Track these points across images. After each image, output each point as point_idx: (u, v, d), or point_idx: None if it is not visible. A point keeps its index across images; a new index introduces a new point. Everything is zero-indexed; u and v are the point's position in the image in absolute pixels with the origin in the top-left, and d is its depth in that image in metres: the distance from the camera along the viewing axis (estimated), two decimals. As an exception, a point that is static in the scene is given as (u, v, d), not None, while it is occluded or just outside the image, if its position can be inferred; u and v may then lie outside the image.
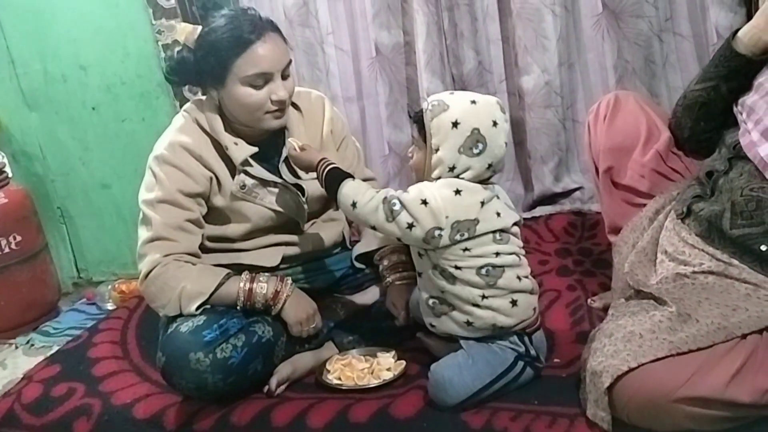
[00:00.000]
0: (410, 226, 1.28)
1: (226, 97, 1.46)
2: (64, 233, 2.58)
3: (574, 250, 2.00)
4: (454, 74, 2.28)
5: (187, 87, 2.05)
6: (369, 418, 1.34)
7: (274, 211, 1.55)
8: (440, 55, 2.23)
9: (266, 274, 1.51)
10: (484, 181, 1.33)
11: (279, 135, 1.57)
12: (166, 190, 1.47)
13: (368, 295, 1.66)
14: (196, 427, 1.41)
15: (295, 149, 1.46)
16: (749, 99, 1.33)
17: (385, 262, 1.62)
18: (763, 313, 1.17)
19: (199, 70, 1.47)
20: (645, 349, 1.14)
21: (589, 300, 1.68)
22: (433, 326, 1.40)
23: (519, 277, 1.34)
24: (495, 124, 1.31)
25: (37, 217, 2.42)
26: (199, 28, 1.47)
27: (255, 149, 1.51)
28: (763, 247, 1.22)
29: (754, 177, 1.26)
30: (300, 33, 2.30)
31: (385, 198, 1.30)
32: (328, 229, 1.67)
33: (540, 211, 2.29)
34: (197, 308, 1.43)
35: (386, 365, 1.48)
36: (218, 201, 1.53)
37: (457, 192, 1.29)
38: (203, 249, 1.53)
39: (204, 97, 1.55)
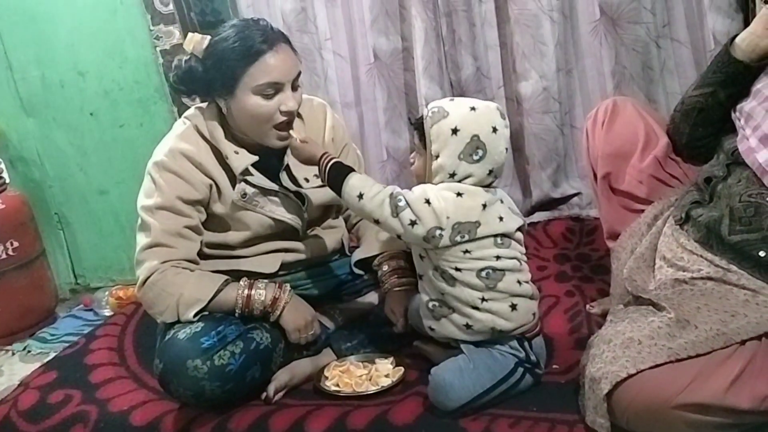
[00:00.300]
0: (413, 223, 1.29)
1: (235, 107, 1.45)
2: (61, 239, 2.58)
3: (573, 256, 2.00)
4: (452, 80, 2.29)
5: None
6: (367, 425, 1.34)
7: (274, 219, 1.55)
8: (438, 61, 2.24)
9: (264, 280, 1.51)
10: (486, 186, 1.34)
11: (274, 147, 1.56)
12: (166, 196, 1.46)
13: (367, 302, 1.66)
14: (194, 435, 1.41)
15: (297, 141, 1.46)
16: (747, 105, 1.33)
17: (385, 268, 1.62)
18: (761, 319, 1.17)
19: (209, 80, 1.46)
20: (644, 355, 1.14)
21: (587, 306, 1.68)
22: (432, 330, 1.40)
23: (519, 282, 1.35)
24: (495, 130, 1.31)
25: (34, 222, 2.41)
26: (207, 37, 1.46)
27: (255, 158, 1.51)
28: (761, 253, 1.22)
29: (752, 183, 1.26)
30: (298, 39, 2.30)
31: (392, 194, 1.31)
32: (327, 236, 1.67)
33: (538, 216, 2.29)
34: (195, 315, 1.43)
35: (384, 371, 1.48)
36: (218, 208, 1.52)
37: (459, 194, 1.30)
38: (202, 255, 1.53)
39: (205, 104, 1.54)
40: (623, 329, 1.22)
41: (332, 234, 1.69)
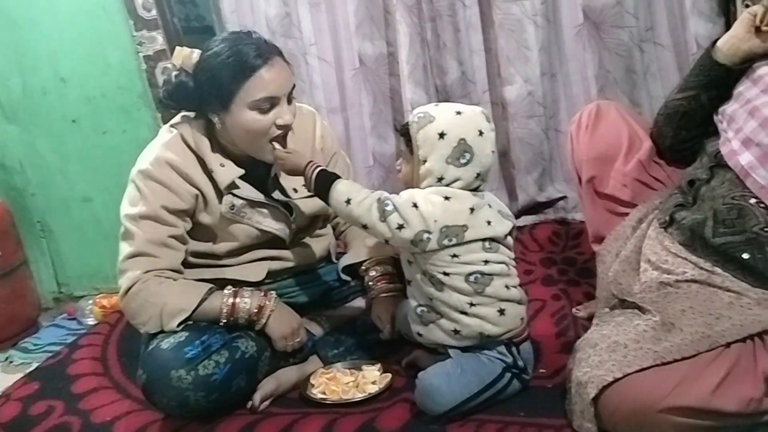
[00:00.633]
0: (400, 227, 1.29)
1: (230, 122, 1.44)
2: (44, 247, 2.54)
3: (559, 260, 2.01)
4: (437, 85, 2.29)
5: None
6: (354, 433, 1.33)
7: (262, 230, 1.54)
8: (423, 66, 2.24)
9: (250, 288, 1.49)
10: (473, 190, 1.34)
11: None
12: (151, 205, 1.44)
13: (353, 308, 1.65)
14: (179, 445, 1.39)
15: (281, 152, 1.45)
16: (729, 108, 1.34)
17: (372, 273, 1.61)
18: (746, 321, 1.17)
19: (201, 95, 1.44)
20: (630, 359, 1.14)
21: (573, 309, 1.69)
22: (420, 335, 1.40)
23: (507, 287, 1.35)
24: (481, 133, 1.32)
25: (16, 231, 2.38)
26: (197, 51, 1.44)
27: (241, 171, 1.49)
28: (745, 255, 1.23)
29: (735, 185, 1.27)
30: (283, 44, 2.28)
31: (379, 198, 1.31)
32: (314, 244, 1.66)
33: (524, 220, 2.30)
34: (179, 324, 1.41)
35: (371, 378, 1.47)
36: (204, 218, 1.50)
37: (447, 198, 1.30)
38: (186, 264, 1.51)
39: (192, 114, 1.52)
40: (609, 333, 1.22)
41: (319, 242, 1.68)
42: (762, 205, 1.22)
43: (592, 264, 1.61)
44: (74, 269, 2.56)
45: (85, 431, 1.49)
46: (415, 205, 1.29)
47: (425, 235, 1.28)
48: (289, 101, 1.46)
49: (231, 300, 1.45)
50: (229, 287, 1.48)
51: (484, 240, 1.32)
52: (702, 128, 1.43)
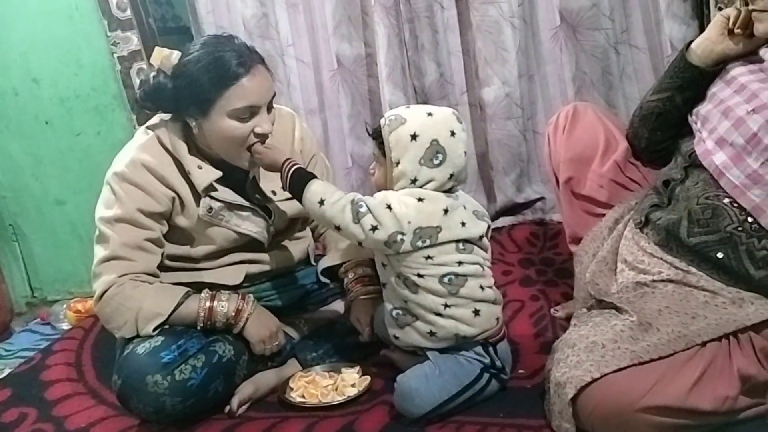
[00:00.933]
0: (374, 228, 1.28)
1: (207, 128, 1.42)
2: (16, 251, 2.50)
3: (537, 260, 2.02)
4: (416, 86, 2.29)
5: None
6: (334, 436, 1.32)
7: (240, 233, 1.52)
8: (402, 67, 2.24)
9: (227, 292, 1.48)
10: (447, 191, 1.34)
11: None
12: (126, 208, 1.42)
13: (332, 310, 1.64)
14: (155, 451, 1.38)
15: (260, 146, 1.43)
16: (703, 108, 1.36)
17: (350, 276, 1.60)
18: (721, 320, 1.19)
19: (179, 100, 1.42)
20: (607, 359, 1.15)
21: (552, 310, 1.69)
22: (397, 338, 1.39)
23: (482, 287, 1.35)
24: (453, 134, 1.32)
25: (-13, 234, 2.34)
26: (176, 53, 1.42)
27: (219, 174, 1.47)
28: (719, 255, 1.24)
29: (709, 185, 1.28)
30: (260, 45, 2.27)
31: (353, 200, 1.31)
32: (293, 247, 1.65)
33: (503, 221, 2.31)
34: (155, 329, 1.39)
35: (351, 381, 1.46)
36: (181, 221, 1.48)
37: (420, 199, 1.30)
38: (163, 267, 1.49)
39: (168, 115, 1.50)
40: (587, 333, 1.23)
41: (298, 244, 1.67)
42: (736, 205, 1.24)
43: (570, 264, 1.62)
44: (48, 273, 2.52)
45: (59, 439, 1.46)
46: (388, 207, 1.29)
47: (399, 237, 1.28)
48: (269, 110, 1.44)
49: (208, 303, 1.43)
50: (206, 291, 1.46)
51: (458, 241, 1.32)
52: (677, 129, 1.44)
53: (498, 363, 1.36)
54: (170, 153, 1.46)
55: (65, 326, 2.24)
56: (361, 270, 1.60)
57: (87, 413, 1.54)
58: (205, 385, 1.37)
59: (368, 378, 1.46)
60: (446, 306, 1.32)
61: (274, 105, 1.56)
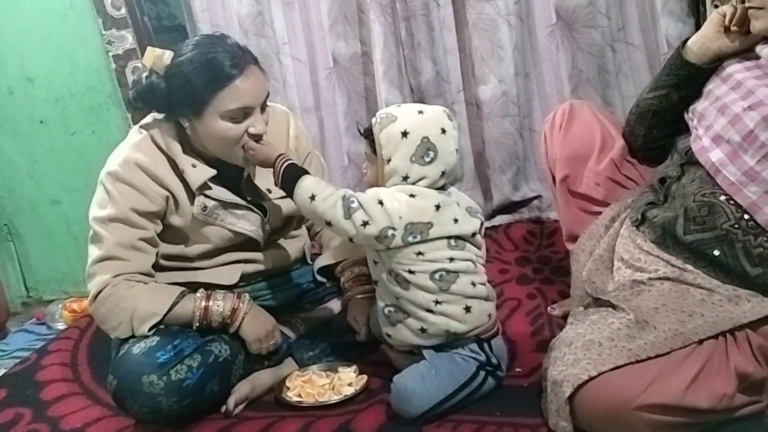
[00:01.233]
0: (365, 224, 1.29)
1: (201, 129, 1.41)
2: (11, 251, 2.49)
3: (534, 258, 2.02)
4: (412, 84, 2.28)
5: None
6: (331, 435, 1.32)
7: (235, 232, 1.51)
8: (398, 66, 2.23)
9: (223, 291, 1.47)
10: (439, 189, 1.34)
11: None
12: (120, 208, 1.41)
13: (329, 310, 1.64)
14: (151, 452, 1.37)
15: (253, 142, 1.42)
16: (699, 106, 1.36)
17: (347, 275, 1.60)
18: (717, 318, 1.19)
19: (172, 100, 1.41)
20: (604, 357, 1.15)
21: (548, 308, 1.69)
22: (389, 336, 1.40)
23: (474, 284, 1.35)
24: (444, 131, 1.32)
25: (-18, 235, 2.34)
26: (169, 53, 1.41)
27: (213, 172, 1.47)
28: (716, 252, 1.24)
29: (705, 182, 1.28)
30: (255, 43, 2.27)
31: (344, 196, 1.31)
32: (289, 246, 1.64)
33: (499, 219, 2.30)
34: (150, 329, 1.38)
35: (347, 380, 1.46)
36: (176, 221, 1.48)
37: (412, 195, 1.31)
38: (157, 267, 1.48)
39: (162, 115, 1.49)
40: (584, 331, 1.23)
41: (294, 243, 1.66)
42: (732, 202, 1.24)
43: (567, 263, 1.62)
44: (43, 273, 2.51)
45: (55, 439, 1.46)
46: (380, 202, 1.29)
47: (390, 232, 1.29)
48: (263, 110, 1.44)
49: (204, 303, 1.43)
50: (201, 290, 1.45)
51: (449, 238, 1.32)
52: (673, 127, 1.44)
53: (494, 360, 1.36)
54: (164, 152, 1.45)
55: (61, 326, 2.23)
56: (357, 269, 1.60)
57: (82, 413, 1.53)
58: (201, 385, 1.37)
59: (365, 377, 1.46)
60: (437, 302, 1.32)
61: (270, 104, 1.56)
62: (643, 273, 1.30)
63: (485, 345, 1.36)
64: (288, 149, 1.59)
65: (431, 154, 1.31)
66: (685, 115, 1.41)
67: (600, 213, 1.52)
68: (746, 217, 1.22)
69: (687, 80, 1.40)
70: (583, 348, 1.18)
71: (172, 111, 1.45)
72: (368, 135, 1.36)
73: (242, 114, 1.40)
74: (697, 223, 1.26)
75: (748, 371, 1.15)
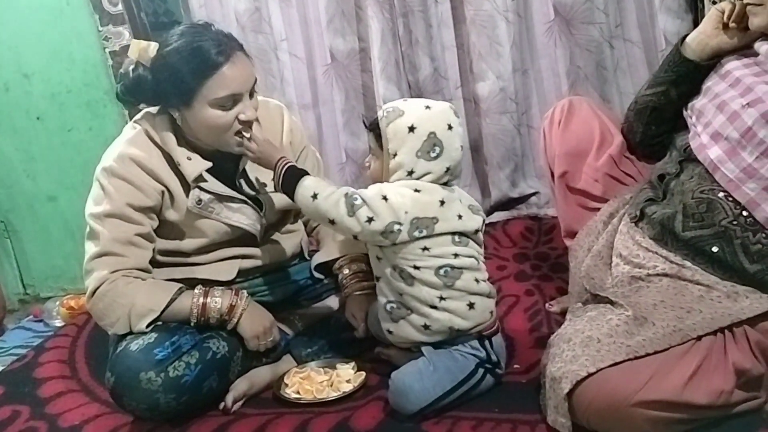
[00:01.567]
0: (370, 220, 1.28)
1: (192, 118, 1.41)
2: (8, 248, 2.48)
3: (532, 255, 2.02)
4: (410, 81, 2.28)
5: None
6: (329, 432, 1.32)
7: (231, 226, 1.51)
8: (396, 62, 2.23)
9: (220, 287, 1.47)
10: (443, 184, 1.34)
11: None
12: (115, 203, 1.41)
13: (327, 306, 1.64)
14: (149, 449, 1.37)
15: (253, 145, 1.41)
16: (698, 103, 1.36)
17: (345, 271, 1.60)
18: (716, 314, 1.19)
19: (161, 90, 1.41)
20: (603, 353, 1.15)
21: (547, 304, 1.69)
22: (390, 332, 1.39)
23: (477, 280, 1.35)
24: (450, 127, 1.32)
25: (-21, 231, 2.33)
26: (154, 44, 1.40)
27: (209, 164, 1.47)
28: (714, 249, 1.24)
29: (704, 179, 1.28)
30: (253, 39, 2.27)
31: (347, 193, 1.30)
32: (286, 241, 1.64)
33: (497, 216, 2.30)
34: (148, 325, 1.38)
35: (346, 377, 1.46)
36: (171, 215, 1.47)
37: (417, 190, 1.30)
38: (155, 263, 1.48)
39: (156, 109, 1.49)
40: (582, 328, 1.23)
41: (291, 238, 1.66)
42: (730, 199, 1.24)
43: (565, 259, 1.62)
44: (40, 270, 2.50)
45: (52, 436, 1.46)
46: (384, 198, 1.29)
47: (396, 227, 1.28)
48: (251, 95, 1.44)
49: (201, 300, 1.42)
50: (199, 287, 1.45)
51: (453, 234, 1.32)
52: (672, 123, 1.44)
53: (494, 357, 1.36)
54: (158, 146, 1.45)
55: (58, 323, 2.22)
56: (355, 266, 1.59)
57: (80, 411, 1.53)
58: (199, 381, 1.37)
59: (363, 374, 1.46)
60: (441, 298, 1.32)
61: (264, 98, 1.55)
62: (642, 269, 1.30)
63: (486, 342, 1.36)
64: (282, 143, 1.59)
65: (437, 149, 1.31)
66: (684, 113, 1.41)
67: (598, 209, 1.52)
68: (745, 213, 1.22)
69: (685, 77, 1.40)
70: (582, 344, 1.18)
71: (161, 102, 1.45)
72: (374, 128, 1.35)
73: (231, 101, 1.39)
74: (695, 219, 1.26)
75: (746, 367, 1.15)
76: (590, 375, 1.13)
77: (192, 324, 1.42)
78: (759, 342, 1.18)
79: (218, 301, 1.43)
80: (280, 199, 1.55)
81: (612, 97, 2.20)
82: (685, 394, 1.10)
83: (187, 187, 1.46)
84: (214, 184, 1.48)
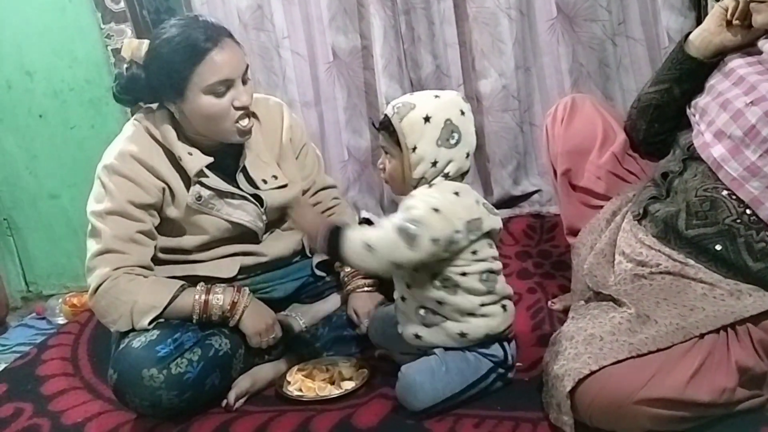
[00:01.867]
0: (434, 241, 1.21)
1: (188, 109, 1.42)
2: (11, 245, 2.49)
3: (534, 253, 2.01)
4: (412, 78, 2.28)
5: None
6: (331, 429, 1.32)
7: (232, 222, 1.51)
8: (398, 60, 2.23)
9: (222, 284, 1.47)
10: (465, 173, 1.32)
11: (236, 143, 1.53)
12: (116, 201, 1.41)
13: (329, 304, 1.63)
14: (152, 446, 1.37)
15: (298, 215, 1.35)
16: (702, 101, 1.35)
17: (347, 269, 1.60)
18: (719, 312, 1.18)
19: (155, 85, 1.42)
20: (605, 351, 1.15)
21: (549, 302, 1.69)
22: (418, 337, 1.34)
23: (505, 283, 1.35)
24: (463, 113, 1.30)
25: (-19, 229, 2.33)
26: (146, 42, 1.42)
27: (210, 159, 1.47)
28: (717, 247, 1.24)
29: (707, 177, 1.28)
30: (255, 37, 2.27)
31: (399, 227, 1.21)
32: (287, 238, 1.64)
33: (499, 214, 2.29)
34: (150, 322, 1.38)
35: (348, 374, 1.46)
36: (172, 212, 1.48)
37: (457, 194, 1.27)
38: (156, 261, 1.48)
39: (155, 105, 1.50)
40: (585, 326, 1.22)
41: (292, 235, 1.66)
42: (734, 197, 1.24)
43: (567, 257, 1.61)
44: (43, 267, 2.50)
45: (55, 433, 1.46)
46: (436, 210, 1.22)
47: (456, 236, 1.24)
48: (245, 82, 1.44)
49: (203, 297, 1.43)
50: (201, 284, 1.45)
51: (489, 234, 1.30)
52: (675, 121, 1.44)
53: (510, 360, 1.34)
54: (159, 142, 1.46)
55: (61, 321, 2.23)
56: (357, 263, 1.59)
57: (83, 408, 1.53)
58: (202, 378, 1.37)
59: (365, 371, 1.46)
60: (482, 305, 1.30)
61: (264, 96, 1.55)
62: (645, 267, 1.30)
63: (505, 344, 1.35)
64: (282, 141, 1.59)
65: (456, 135, 1.27)
66: (687, 111, 1.40)
67: (601, 207, 1.52)
68: (748, 212, 1.22)
69: (689, 74, 1.39)
70: (584, 342, 1.18)
71: (157, 98, 1.46)
72: (385, 127, 1.30)
73: (224, 87, 1.40)
74: (699, 217, 1.26)
75: (749, 365, 1.15)
76: (593, 373, 1.13)
77: (194, 321, 1.43)
78: (762, 340, 1.18)
79: (220, 298, 1.43)
80: (279, 196, 1.55)
81: (615, 95, 2.20)
82: (688, 391, 1.10)
83: (187, 184, 1.47)
84: (214, 180, 1.48)
